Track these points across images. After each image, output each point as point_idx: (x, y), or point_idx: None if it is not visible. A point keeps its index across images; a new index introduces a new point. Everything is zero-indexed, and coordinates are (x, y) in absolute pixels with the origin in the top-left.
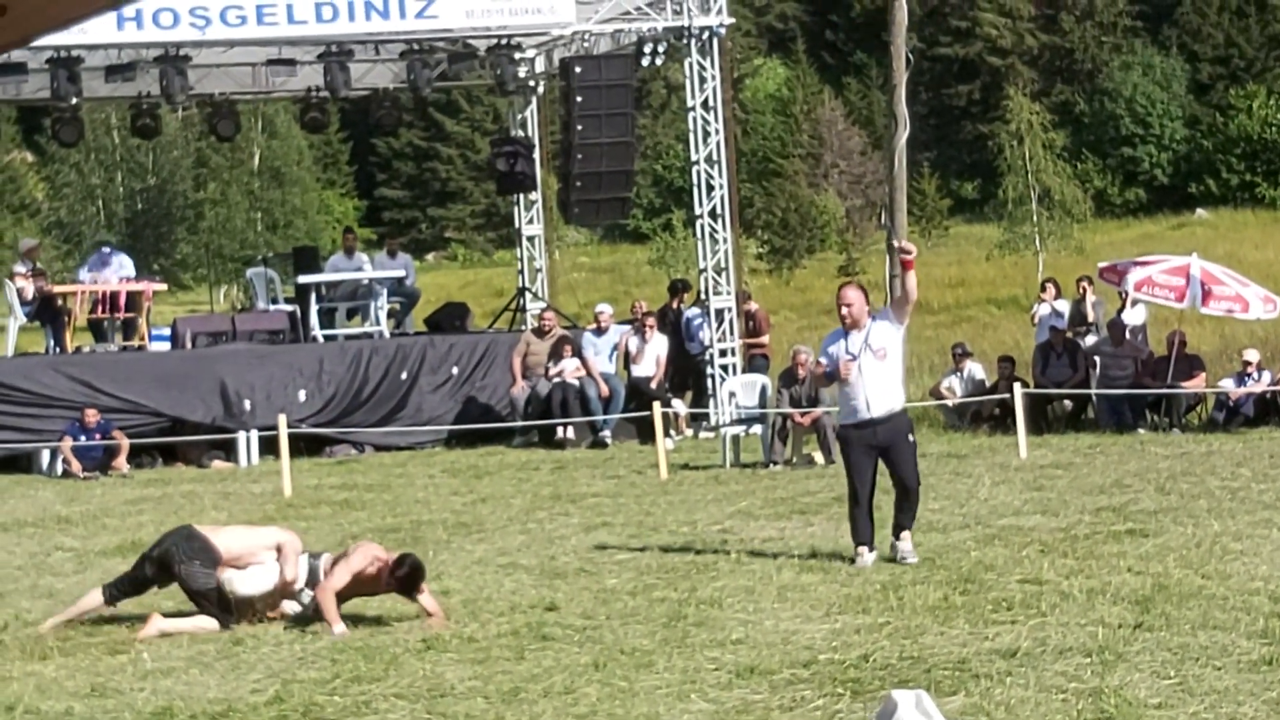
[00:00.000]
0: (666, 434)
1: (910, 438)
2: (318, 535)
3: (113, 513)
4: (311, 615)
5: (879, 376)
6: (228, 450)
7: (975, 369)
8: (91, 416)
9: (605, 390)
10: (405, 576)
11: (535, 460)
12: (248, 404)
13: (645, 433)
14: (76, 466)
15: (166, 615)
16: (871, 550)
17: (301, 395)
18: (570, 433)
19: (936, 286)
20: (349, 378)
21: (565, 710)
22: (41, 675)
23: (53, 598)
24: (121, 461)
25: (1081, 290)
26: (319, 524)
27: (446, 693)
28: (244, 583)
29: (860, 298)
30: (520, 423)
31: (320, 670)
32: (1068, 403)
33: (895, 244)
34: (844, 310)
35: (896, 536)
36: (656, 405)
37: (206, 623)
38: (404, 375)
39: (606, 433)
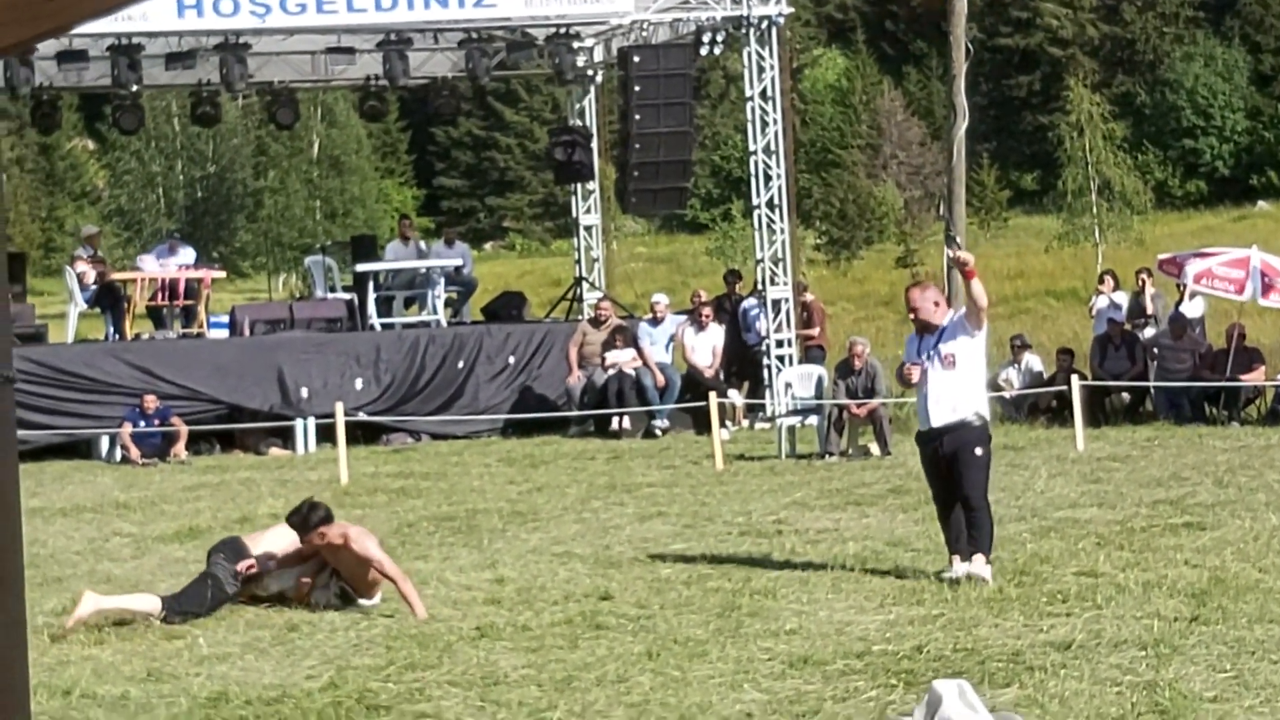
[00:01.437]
0: (722, 424)
1: (978, 451)
2: (374, 523)
3: (171, 499)
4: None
5: (944, 384)
6: (285, 438)
7: (1033, 361)
8: (150, 403)
9: (661, 380)
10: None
11: (590, 450)
12: (305, 392)
13: (701, 423)
14: (135, 453)
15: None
16: (964, 561)
17: (358, 383)
18: (626, 423)
19: (995, 278)
20: (406, 366)
21: (618, 699)
22: (98, 659)
23: (110, 582)
24: (180, 448)
25: (1141, 282)
26: (375, 512)
27: (500, 680)
28: (276, 581)
29: (925, 299)
30: (576, 412)
31: (375, 657)
32: (1126, 395)
33: (951, 253)
34: (910, 314)
35: (967, 557)
36: (712, 396)
37: (146, 603)
38: (461, 364)
39: (662, 423)
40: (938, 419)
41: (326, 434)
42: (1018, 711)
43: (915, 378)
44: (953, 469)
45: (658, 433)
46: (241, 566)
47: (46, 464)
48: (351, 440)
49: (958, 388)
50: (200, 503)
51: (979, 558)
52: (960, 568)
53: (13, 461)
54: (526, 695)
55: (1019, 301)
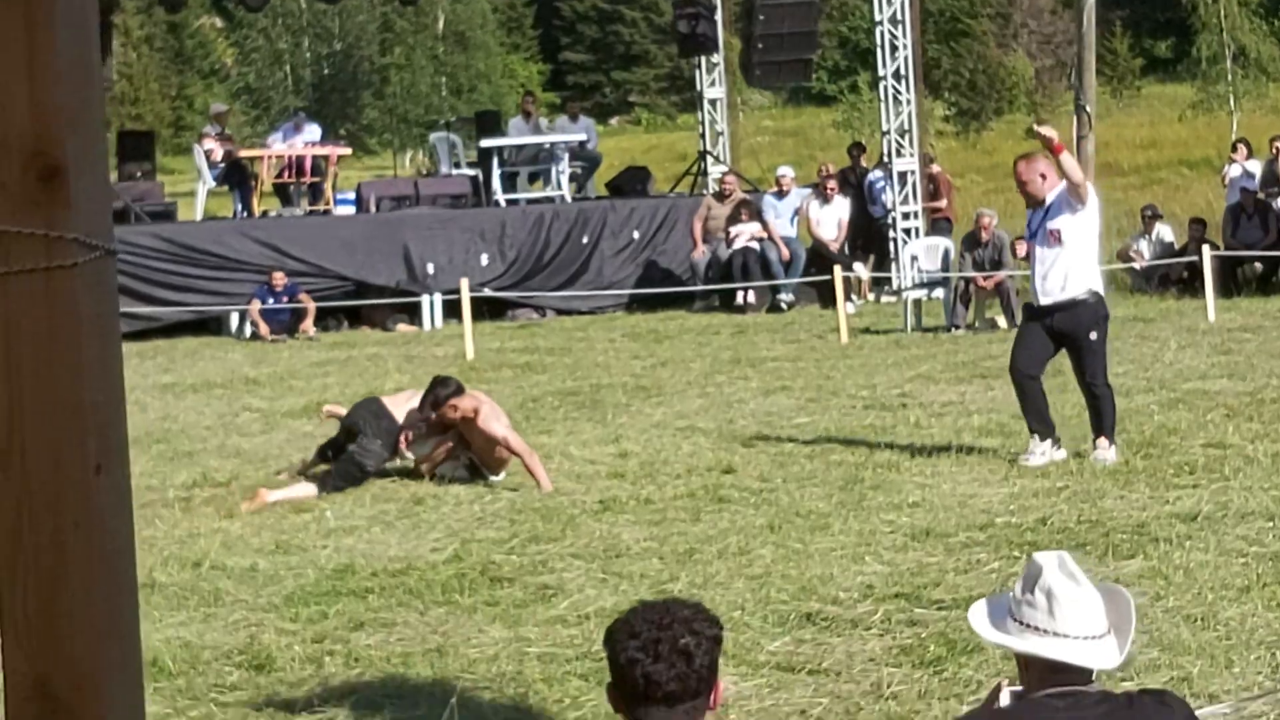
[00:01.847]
0: (847, 298)
1: (1093, 336)
2: (499, 397)
3: (299, 374)
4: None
5: (1052, 261)
6: (411, 314)
7: (1164, 231)
8: (279, 280)
9: (786, 254)
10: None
11: (715, 324)
12: (431, 268)
13: (826, 297)
14: (264, 329)
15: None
16: (1043, 440)
17: (484, 259)
18: (750, 297)
19: (1127, 148)
20: (530, 242)
21: (739, 571)
22: (228, 532)
23: (240, 457)
24: (308, 324)
25: (1275, 150)
26: (500, 386)
27: (622, 553)
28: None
29: (1031, 171)
30: (700, 287)
31: (498, 530)
32: (1258, 265)
33: (1035, 129)
34: (1019, 188)
35: (1093, 444)
36: (837, 269)
37: (306, 489)
38: (585, 239)
39: (787, 297)
40: (1047, 296)
41: (452, 310)
42: (1141, 583)
43: (1021, 253)
44: (1069, 352)
45: (782, 307)
46: (401, 443)
47: (178, 340)
48: (477, 316)
49: (1066, 264)
50: (328, 378)
51: (1102, 441)
52: (1040, 450)
53: (115, 335)
54: (648, 568)
55: (1151, 171)
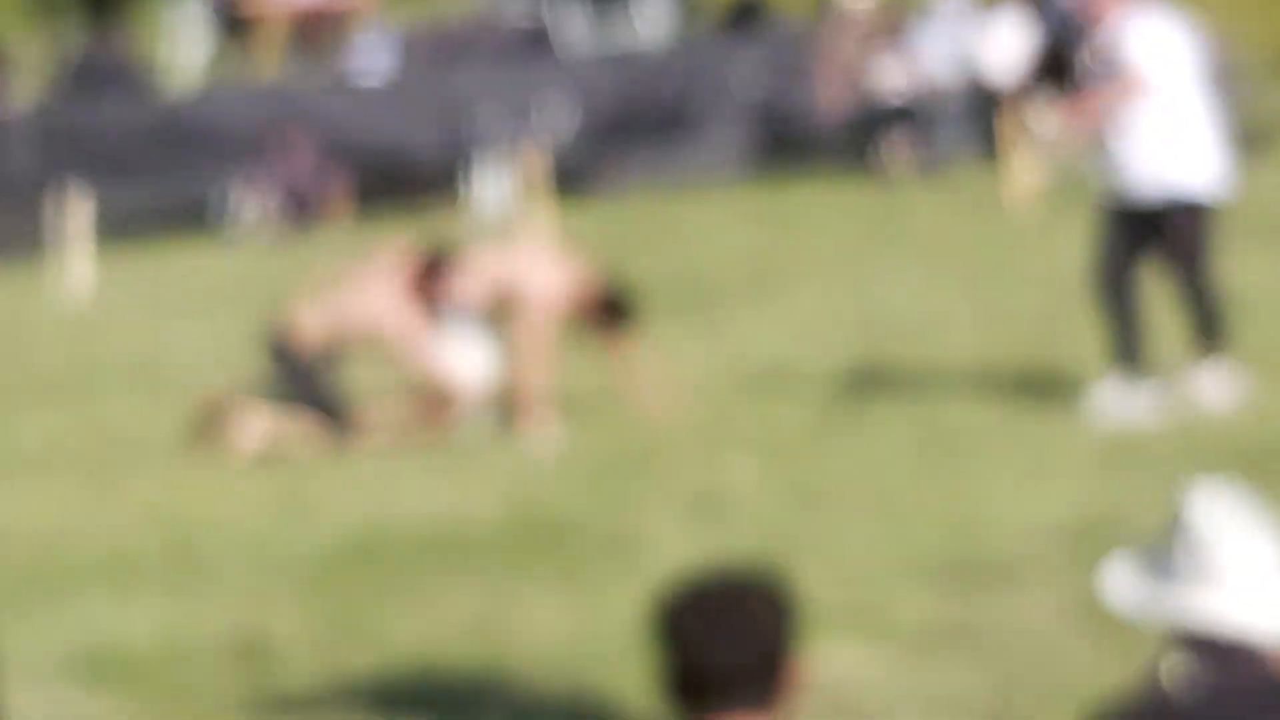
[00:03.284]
0: (1027, 150)
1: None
2: None
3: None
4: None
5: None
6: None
7: None
8: (294, 159)
9: (945, 94)
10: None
11: (853, 191)
12: (487, 130)
13: (999, 150)
14: (276, 224)
15: None
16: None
17: (554, 119)
18: (899, 153)
19: None
20: (614, 95)
21: (879, 513)
22: (219, 483)
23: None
24: (335, 214)
25: None
26: None
27: (726, 494)
28: None
29: None
30: (835, 142)
31: (567, 479)
32: None
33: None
34: None
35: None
36: (1014, 111)
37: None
38: (684, 91)
39: (947, 151)
40: None
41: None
42: None
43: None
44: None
45: (946, 167)
46: None
47: (161, 243)
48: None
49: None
50: None
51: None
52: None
53: None
54: (760, 512)
55: None
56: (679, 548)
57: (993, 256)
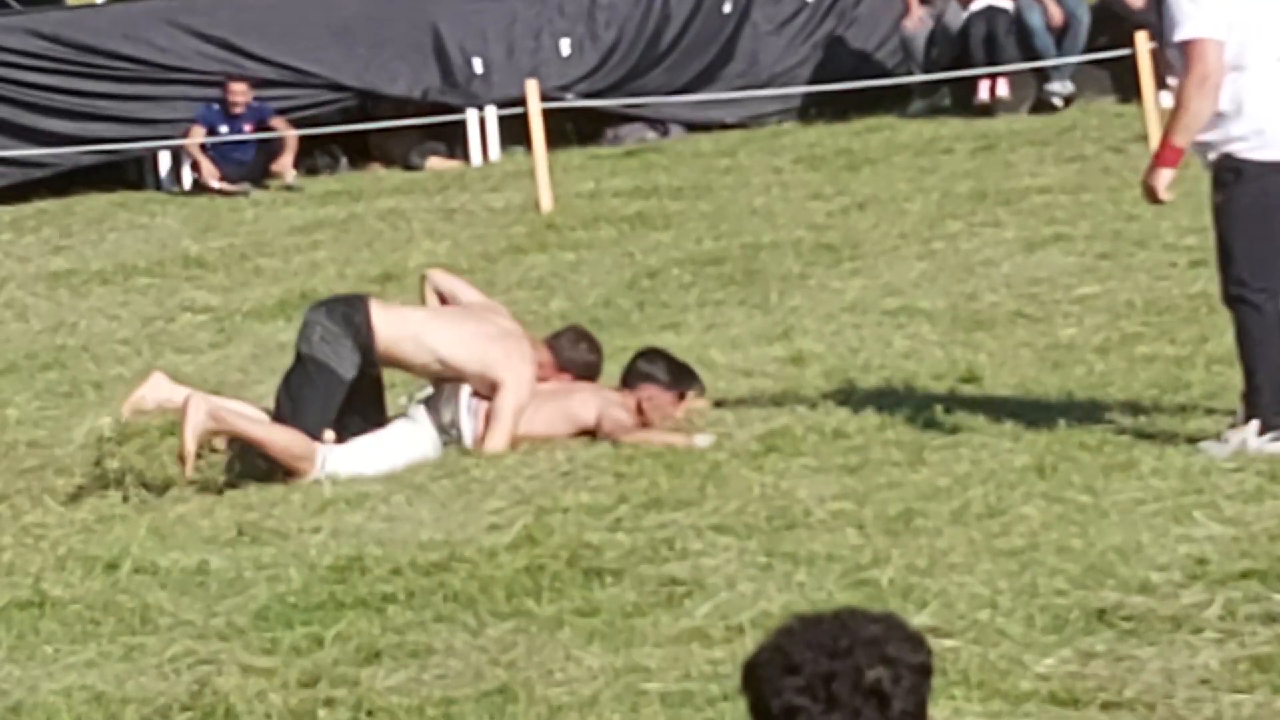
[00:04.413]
0: (1163, 85)
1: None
2: (593, 274)
3: (271, 248)
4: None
5: None
6: (450, 141)
7: None
8: (238, 95)
9: (1058, 16)
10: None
11: (944, 136)
12: (479, 65)
13: (1125, 84)
14: (213, 175)
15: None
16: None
17: (564, 47)
18: (1001, 88)
19: None
20: (639, 18)
21: (988, 545)
22: (162, 513)
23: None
24: (285, 164)
25: None
26: (596, 253)
27: (797, 521)
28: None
29: None
30: (919, 76)
31: (594, 493)
32: None
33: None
34: None
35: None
36: (1144, 37)
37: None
38: (727, 8)
39: (1062, 86)
40: None
41: (515, 132)
42: None
43: None
44: None
45: (1055, 102)
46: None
47: (76, 200)
48: (556, 140)
49: None
50: (319, 252)
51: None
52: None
53: None
54: (839, 544)
55: None
56: (744, 590)
57: (1126, 217)
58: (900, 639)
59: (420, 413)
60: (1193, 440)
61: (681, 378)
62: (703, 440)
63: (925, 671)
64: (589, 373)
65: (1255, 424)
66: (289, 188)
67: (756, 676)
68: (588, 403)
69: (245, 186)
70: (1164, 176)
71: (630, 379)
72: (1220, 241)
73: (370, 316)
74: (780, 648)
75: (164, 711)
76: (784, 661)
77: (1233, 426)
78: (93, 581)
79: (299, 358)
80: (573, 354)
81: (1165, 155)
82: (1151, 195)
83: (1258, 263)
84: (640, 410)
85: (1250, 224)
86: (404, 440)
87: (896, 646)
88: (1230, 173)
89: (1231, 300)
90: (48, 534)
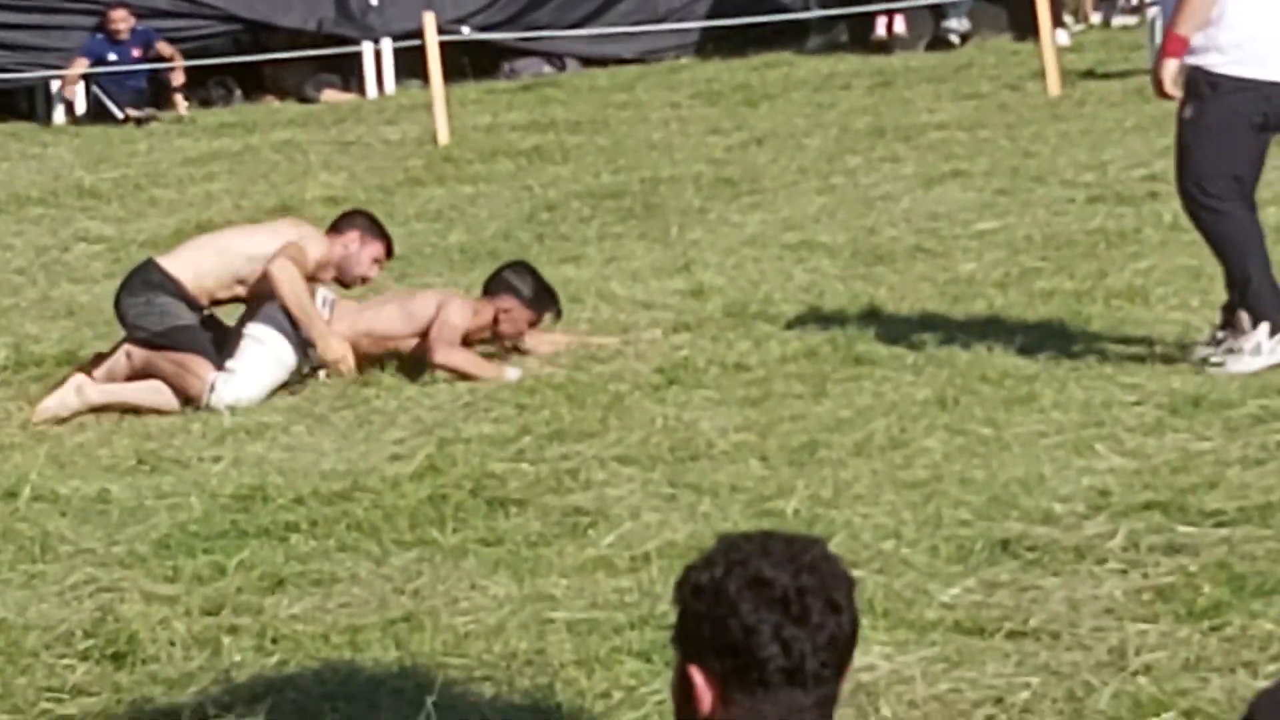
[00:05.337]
0: (1059, 22)
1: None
2: (491, 207)
3: (166, 179)
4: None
5: None
6: (345, 73)
7: None
8: (120, 22)
9: None
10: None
11: (842, 72)
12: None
13: (1022, 22)
14: (86, 102)
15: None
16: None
17: None
18: (899, 25)
19: None
20: None
21: (891, 476)
22: (59, 442)
23: (73, 318)
24: (177, 96)
25: None
26: (494, 186)
27: (700, 452)
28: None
29: None
30: (816, 12)
31: (498, 424)
32: None
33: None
34: None
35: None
36: None
37: (157, 396)
38: None
39: (958, 23)
40: None
41: (411, 64)
42: None
43: None
44: None
45: (952, 39)
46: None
47: None
48: (453, 74)
49: None
50: (213, 184)
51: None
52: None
53: None
54: (743, 474)
55: None
56: (649, 520)
57: (1022, 154)
58: (834, 556)
59: (257, 330)
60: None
61: (543, 298)
62: (512, 373)
63: (854, 586)
64: None
65: (1265, 326)
66: (181, 118)
67: (713, 593)
68: (428, 301)
69: (149, 111)
70: (1170, 68)
71: (494, 288)
72: (1182, 153)
73: (164, 268)
74: (744, 563)
75: (66, 638)
76: (753, 576)
77: (1222, 341)
78: None
79: (143, 343)
80: None
81: (1171, 46)
82: (1159, 88)
83: (1217, 177)
84: (495, 321)
85: (1215, 139)
86: (266, 355)
87: (838, 563)
88: (1207, 86)
89: (1195, 212)
90: None
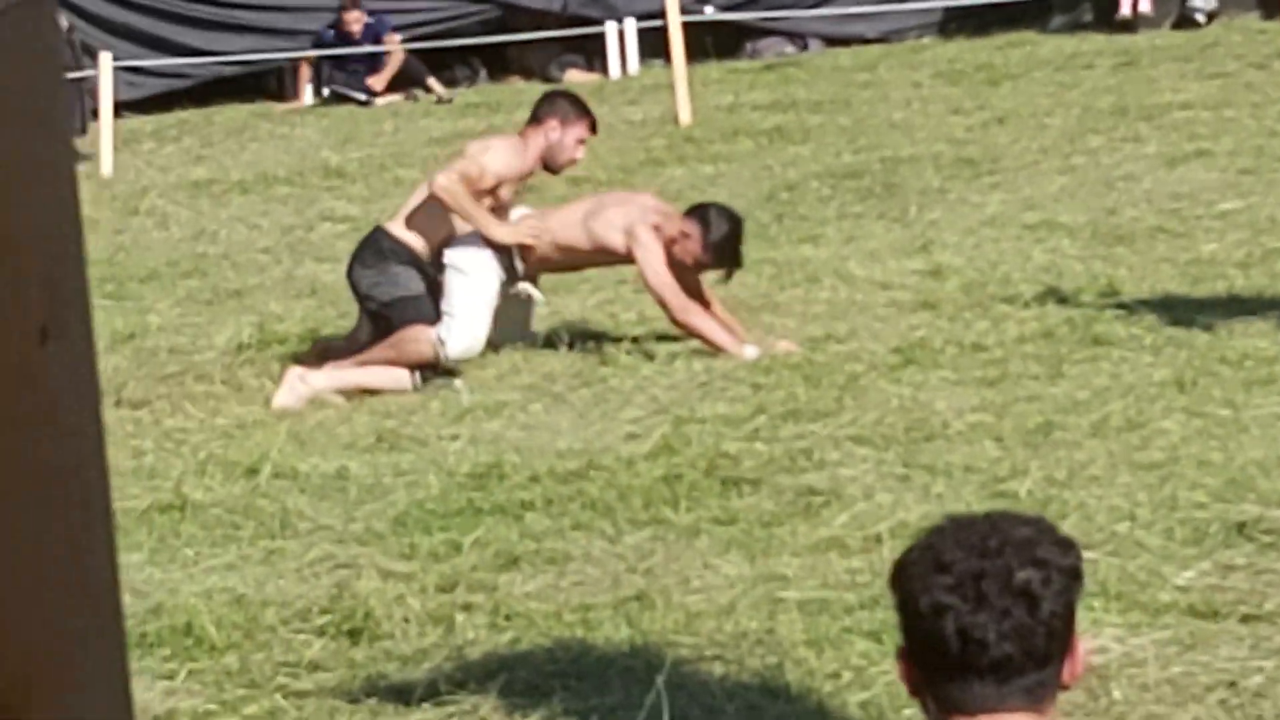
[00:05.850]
0: None
1: None
2: (731, 187)
3: (411, 159)
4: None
5: None
6: (589, 54)
7: None
8: (355, 23)
9: None
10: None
11: (1085, 52)
12: None
13: (1269, 1)
14: (299, 96)
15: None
16: None
17: None
18: (1144, 4)
19: None
20: None
21: (1127, 458)
22: (300, 419)
23: (317, 296)
24: (382, 80)
25: None
26: (735, 166)
27: (935, 433)
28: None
29: None
30: None
31: (733, 403)
32: None
33: None
34: None
35: None
36: None
37: (391, 376)
38: None
39: (1205, 1)
40: None
41: (654, 44)
42: None
43: None
44: None
45: (1198, 18)
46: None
47: (216, 110)
48: (696, 54)
49: None
50: None
51: None
52: None
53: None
54: (978, 455)
55: None
56: (882, 500)
57: (1269, 133)
58: (1050, 541)
59: (454, 257)
60: None
61: (725, 251)
62: (750, 351)
63: (1075, 575)
64: None
65: None
66: (439, 99)
67: (906, 574)
68: (614, 223)
69: (413, 93)
70: None
71: (694, 212)
72: None
73: (392, 234)
74: (931, 546)
75: (303, 614)
76: (934, 559)
77: None
78: (233, 486)
79: (373, 316)
80: None
81: None
82: None
83: None
84: (672, 240)
85: None
86: (470, 284)
87: (1046, 549)
88: None
89: None
90: (188, 439)
